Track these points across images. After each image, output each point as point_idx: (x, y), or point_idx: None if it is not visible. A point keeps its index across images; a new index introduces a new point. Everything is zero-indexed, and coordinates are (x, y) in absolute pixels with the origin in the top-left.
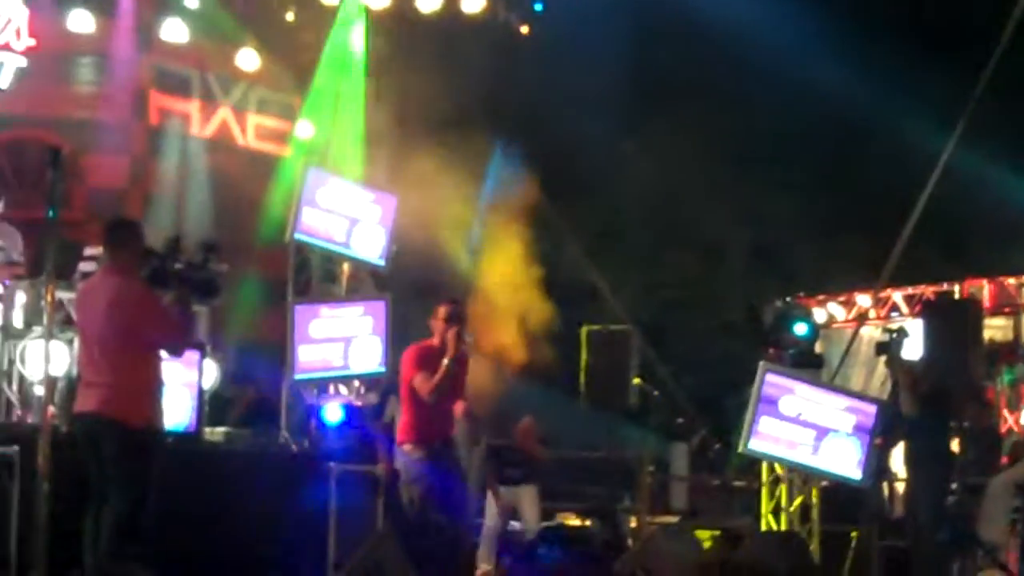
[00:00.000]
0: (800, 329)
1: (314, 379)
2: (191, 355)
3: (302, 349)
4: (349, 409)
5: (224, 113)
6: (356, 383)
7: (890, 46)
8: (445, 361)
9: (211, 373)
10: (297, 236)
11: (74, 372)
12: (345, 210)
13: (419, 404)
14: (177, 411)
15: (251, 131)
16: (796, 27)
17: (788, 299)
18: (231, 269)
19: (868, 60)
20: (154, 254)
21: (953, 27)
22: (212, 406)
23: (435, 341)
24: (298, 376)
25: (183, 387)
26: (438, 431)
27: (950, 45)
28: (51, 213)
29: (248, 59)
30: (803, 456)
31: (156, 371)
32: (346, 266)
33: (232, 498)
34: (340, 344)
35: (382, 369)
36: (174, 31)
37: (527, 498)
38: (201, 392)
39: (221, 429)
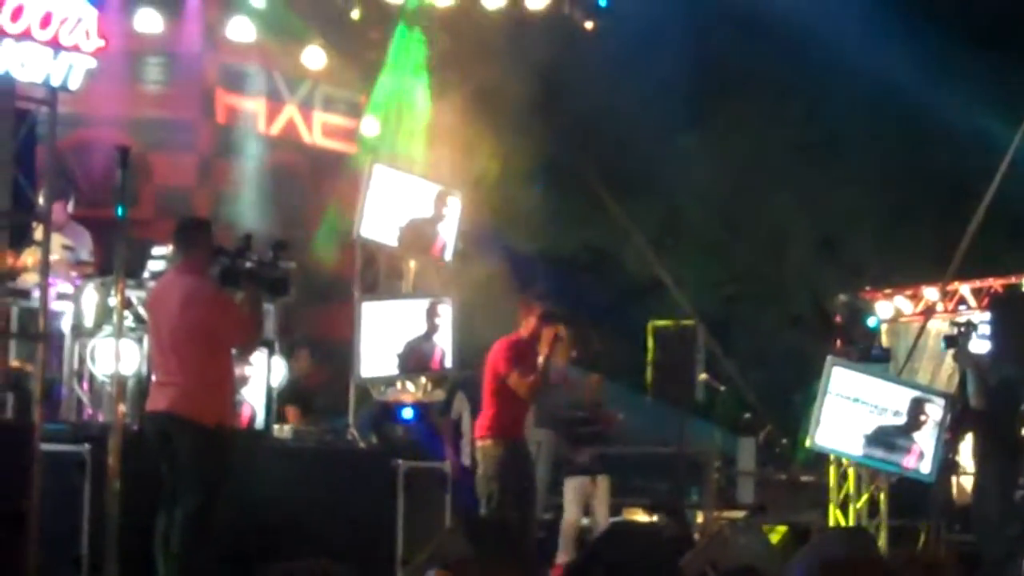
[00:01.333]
0: (868, 323)
1: (382, 378)
2: (260, 353)
3: (369, 346)
4: (416, 406)
5: (290, 111)
6: (423, 380)
7: (955, 34)
8: (541, 360)
9: (279, 371)
10: (363, 233)
11: (144, 371)
12: (411, 207)
13: (507, 400)
14: (248, 409)
15: (317, 129)
16: (859, 16)
17: (854, 292)
18: (299, 267)
19: (933, 49)
20: (225, 252)
21: (1020, 13)
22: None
23: (524, 334)
24: (365, 373)
25: (253, 385)
26: (519, 428)
27: (1018, 32)
28: (120, 212)
29: (314, 57)
30: (871, 450)
31: (228, 369)
32: (412, 263)
33: (300, 496)
34: (407, 341)
35: (449, 366)
36: (240, 30)
37: (600, 492)
38: (270, 390)
39: (289, 426)
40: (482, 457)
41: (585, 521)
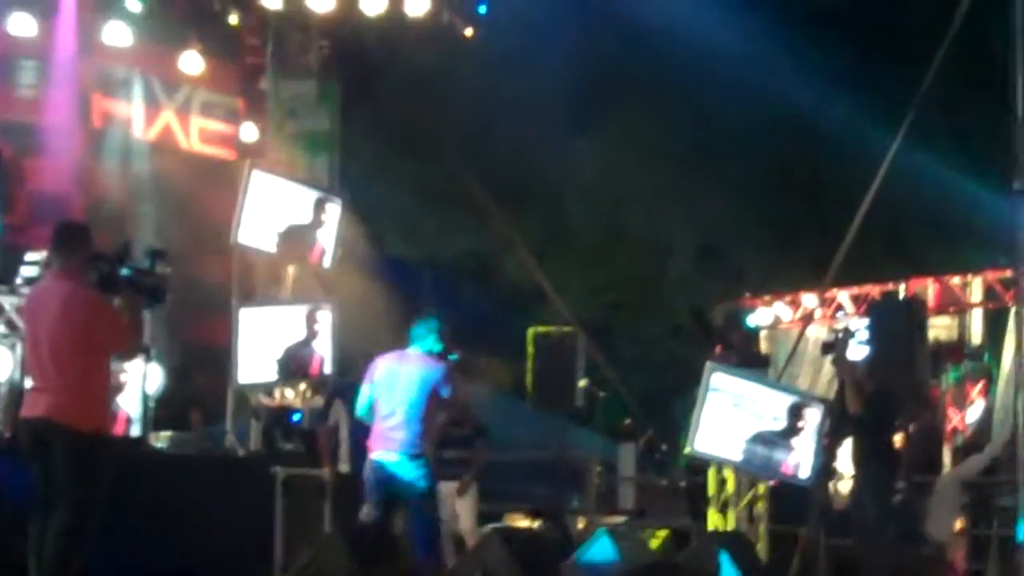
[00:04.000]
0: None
1: (260, 384)
2: (136, 360)
3: (247, 353)
4: (294, 414)
5: (167, 116)
6: (302, 386)
7: (837, 46)
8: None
9: (156, 378)
10: (241, 239)
11: (17, 377)
12: (290, 213)
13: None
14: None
15: (195, 134)
16: (745, 27)
17: (734, 300)
18: (177, 273)
19: (816, 60)
20: (103, 258)
21: (900, 27)
22: (157, 411)
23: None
24: (243, 380)
25: (128, 392)
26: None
27: (897, 45)
28: None
29: (192, 62)
30: (750, 456)
31: (106, 376)
32: (291, 269)
33: (178, 503)
34: (286, 347)
35: (328, 372)
36: (117, 34)
37: (466, 495)
38: (146, 397)
39: (166, 434)
40: None
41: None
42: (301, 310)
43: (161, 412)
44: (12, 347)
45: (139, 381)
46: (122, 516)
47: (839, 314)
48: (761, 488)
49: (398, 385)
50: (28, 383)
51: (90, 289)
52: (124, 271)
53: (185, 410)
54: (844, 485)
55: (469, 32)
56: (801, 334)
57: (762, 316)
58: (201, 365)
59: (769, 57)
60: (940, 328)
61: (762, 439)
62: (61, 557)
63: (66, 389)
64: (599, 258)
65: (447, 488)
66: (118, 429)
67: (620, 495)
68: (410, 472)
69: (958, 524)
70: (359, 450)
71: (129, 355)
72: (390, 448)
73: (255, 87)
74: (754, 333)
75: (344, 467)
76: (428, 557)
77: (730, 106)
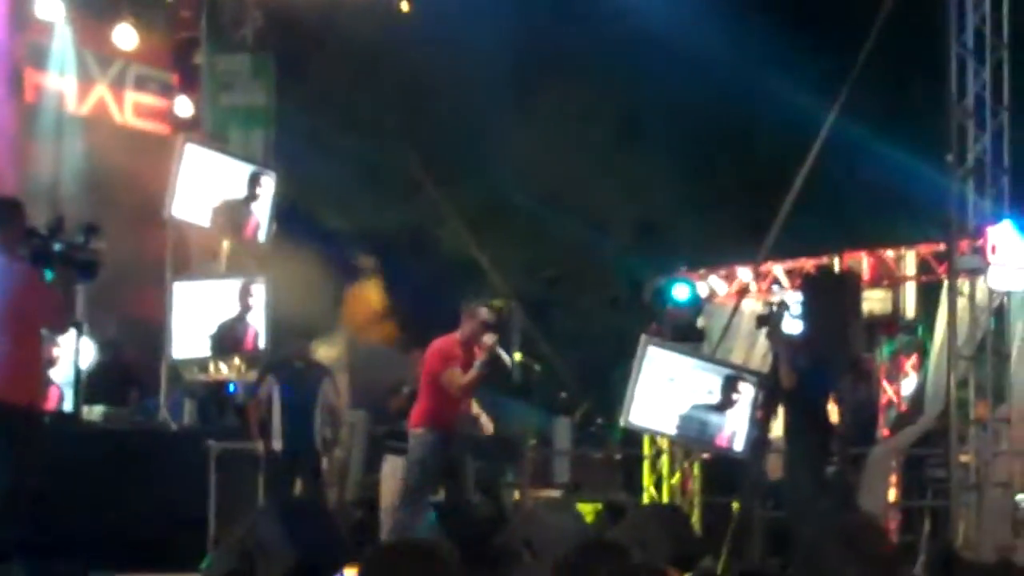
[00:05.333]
0: (682, 293)
1: (194, 359)
2: (69, 335)
3: (181, 327)
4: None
5: (101, 91)
6: (236, 361)
7: (772, 18)
8: (478, 365)
9: (88, 352)
10: (175, 213)
11: None
12: (224, 187)
13: (438, 394)
14: (56, 391)
15: (129, 109)
16: (679, 1)
17: (670, 274)
18: (110, 248)
19: (751, 34)
20: (36, 234)
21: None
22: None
23: (459, 337)
24: (177, 355)
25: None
26: (450, 420)
27: (833, 18)
28: None
29: (125, 36)
30: (683, 429)
31: (39, 350)
32: (226, 244)
33: (111, 477)
34: (220, 322)
35: (262, 347)
36: (49, 8)
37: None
38: (79, 371)
39: (99, 408)
40: (413, 443)
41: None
42: (235, 284)
43: (95, 387)
44: None
45: (71, 355)
46: (56, 489)
47: (774, 288)
48: (696, 461)
49: None
50: None
51: (24, 264)
52: (57, 246)
53: (120, 385)
54: (777, 457)
55: (405, 6)
56: (736, 308)
57: (697, 290)
58: (135, 339)
59: (705, 31)
60: (874, 301)
61: (696, 412)
62: None
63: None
64: (537, 233)
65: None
66: (50, 403)
67: (555, 469)
68: None
69: (891, 495)
70: (294, 426)
71: (61, 330)
72: None
73: (189, 61)
74: (689, 306)
75: (277, 443)
76: None
77: (665, 80)
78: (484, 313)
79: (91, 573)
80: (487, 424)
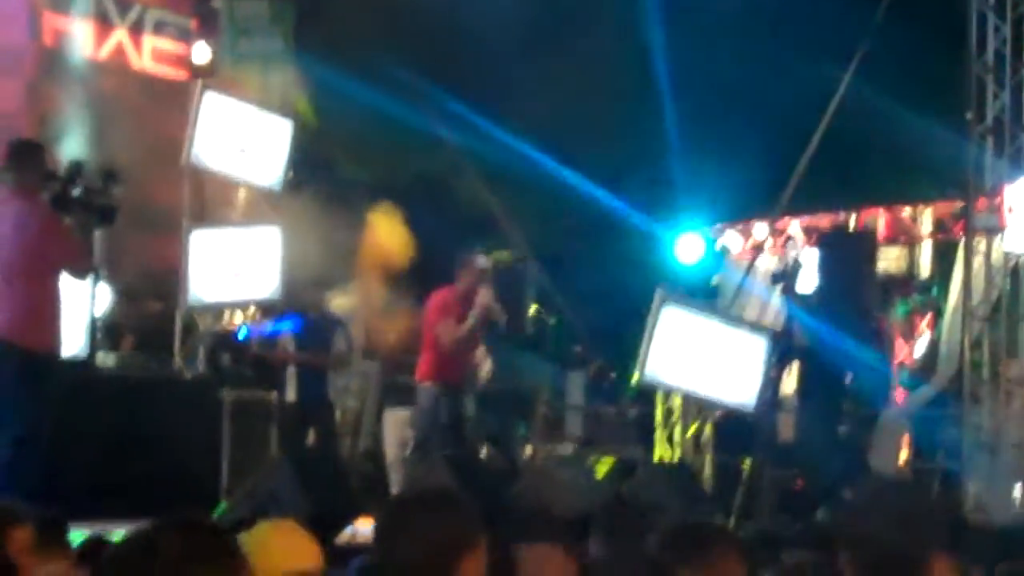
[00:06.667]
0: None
1: (210, 305)
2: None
3: (197, 275)
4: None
5: (120, 35)
6: (251, 309)
7: None
8: (471, 319)
9: (104, 299)
10: (192, 159)
11: None
12: (241, 134)
13: (439, 346)
14: (71, 336)
15: (147, 53)
16: None
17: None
18: (127, 194)
19: None
20: (56, 178)
21: None
22: (105, 332)
23: (459, 288)
24: (193, 302)
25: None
26: (456, 371)
27: None
28: None
29: None
30: (697, 385)
31: (57, 295)
32: (242, 191)
33: (124, 426)
34: (236, 270)
35: (276, 296)
36: None
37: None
38: (94, 318)
39: (114, 355)
40: (420, 396)
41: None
42: (251, 232)
43: (110, 334)
44: None
45: (87, 302)
46: (71, 435)
47: (789, 244)
48: (708, 418)
49: None
50: None
51: (45, 207)
52: (76, 191)
53: (116, 335)
54: (789, 416)
55: None
56: (751, 264)
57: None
58: (150, 287)
59: None
60: (890, 260)
61: (710, 368)
62: (12, 468)
63: (15, 307)
64: (552, 185)
65: (395, 415)
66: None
67: (568, 424)
68: None
69: (903, 456)
70: (307, 377)
71: (81, 275)
72: None
73: (208, 6)
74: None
75: (290, 394)
76: None
77: (685, 35)
78: (480, 261)
79: (104, 521)
80: (486, 374)
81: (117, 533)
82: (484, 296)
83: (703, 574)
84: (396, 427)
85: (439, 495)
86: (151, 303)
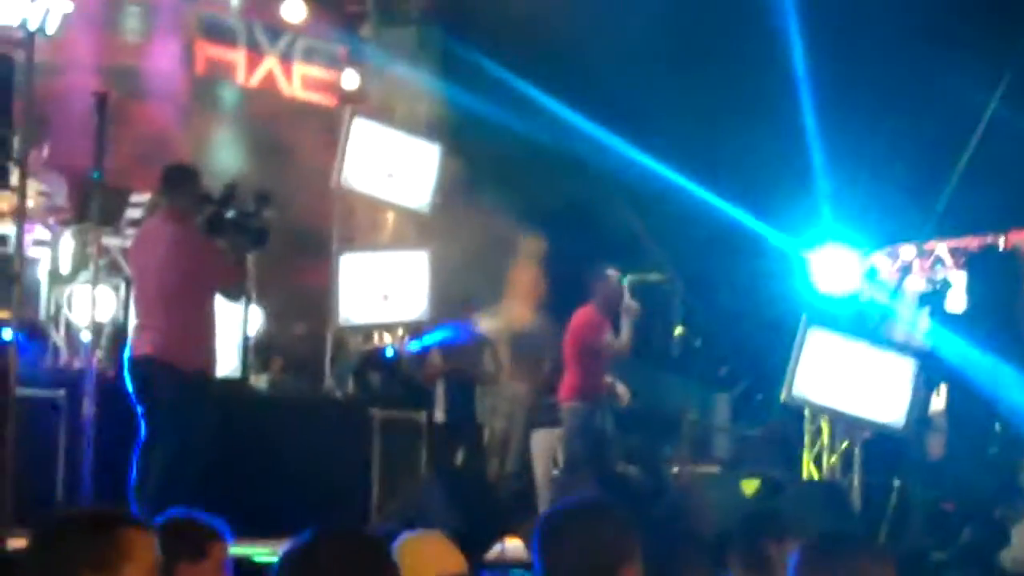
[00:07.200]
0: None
1: (359, 327)
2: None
3: (347, 297)
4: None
5: (270, 63)
6: (400, 331)
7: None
8: (626, 327)
9: (256, 320)
10: (342, 184)
11: (121, 318)
12: (389, 158)
13: (589, 364)
14: (225, 358)
15: (297, 81)
16: None
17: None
18: (277, 218)
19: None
20: (210, 200)
21: None
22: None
23: (596, 305)
24: (343, 324)
25: (229, 334)
26: (598, 391)
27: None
28: (97, 159)
29: (294, 9)
30: (845, 405)
31: (211, 316)
32: (391, 215)
33: (276, 445)
34: (384, 292)
35: (425, 318)
36: None
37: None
38: (247, 339)
39: (265, 375)
40: (569, 416)
41: (555, 472)
42: (400, 255)
43: (262, 355)
44: (116, 288)
45: (240, 323)
46: (224, 455)
47: (938, 266)
48: (856, 439)
49: None
50: (133, 323)
51: (198, 230)
52: (230, 213)
53: (266, 356)
54: (939, 436)
55: None
56: (899, 286)
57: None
58: (301, 310)
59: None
60: None
61: (858, 390)
62: (162, 495)
63: (171, 328)
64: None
65: (542, 435)
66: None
67: (714, 444)
68: None
69: None
70: (456, 396)
71: (234, 297)
72: None
73: (357, 33)
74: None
75: (439, 413)
76: None
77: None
78: (614, 274)
79: (256, 539)
80: (623, 393)
81: (265, 551)
82: (631, 303)
83: None
84: (545, 446)
85: (598, 506)
86: (300, 325)
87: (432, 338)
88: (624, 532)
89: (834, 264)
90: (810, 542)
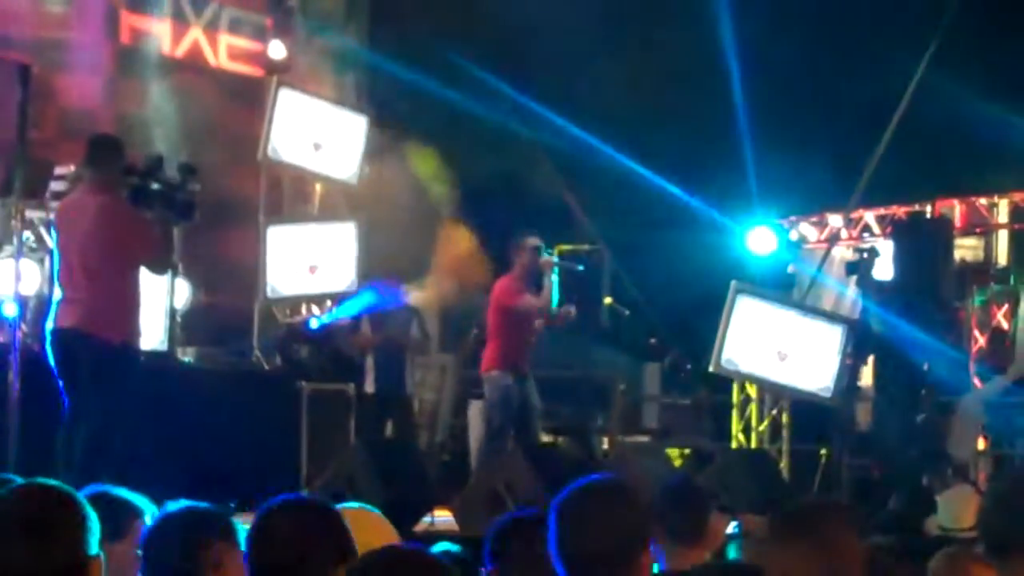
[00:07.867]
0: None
1: (286, 299)
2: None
3: (274, 269)
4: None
5: (195, 33)
6: (328, 303)
7: None
8: (545, 293)
9: (182, 293)
10: (269, 155)
11: (45, 291)
12: (317, 130)
13: (511, 333)
14: (150, 331)
15: (223, 51)
16: None
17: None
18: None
19: None
20: (135, 172)
21: None
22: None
23: (516, 273)
24: (270, 296)
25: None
26: (521, 361)
27: None
28: (20, 131)
29: None
30: (773, 374)
31: (136, 289)
32: (318, 186)
33: (203, 418)
34: (312, 264)
35: (352, 289)
36: None
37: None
38: (173, 311)
39: (192, 349)
40: (489, 386)
41: None
42: (327, 227)
43: (189, 328)
44: (40, 261)
45: (166, 296)
46: (150, 428)
47: (865, 234)
48: (784, 407)
49: None
50: (57, 295)
51: (124, 202)
52: (155, 185)
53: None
54: (867, 405)
55: None
56: (826, 254)
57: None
58: (227, 282)
59: None
60: (966, 249)
61: (786, 358)
62: (89, 465)
63: (96, 301)
64: (625, 177)
65: (479, 406)
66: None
67: (644, 414)
68: None
69: (980, 444)
70: (385, 367)
71: (160, 270)
72: None
73: (283, 4)
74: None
75: (368, 385)
76: None
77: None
78: (532, 240)
79: None
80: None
81: None
82: (549, 258)
83: (820, 549)
84: (480, 418)
85: (617, 487)
86: (227, 297)
87: (359, 303)
88: (646, 514)
89: (761, 235)
90: (777, 512)
